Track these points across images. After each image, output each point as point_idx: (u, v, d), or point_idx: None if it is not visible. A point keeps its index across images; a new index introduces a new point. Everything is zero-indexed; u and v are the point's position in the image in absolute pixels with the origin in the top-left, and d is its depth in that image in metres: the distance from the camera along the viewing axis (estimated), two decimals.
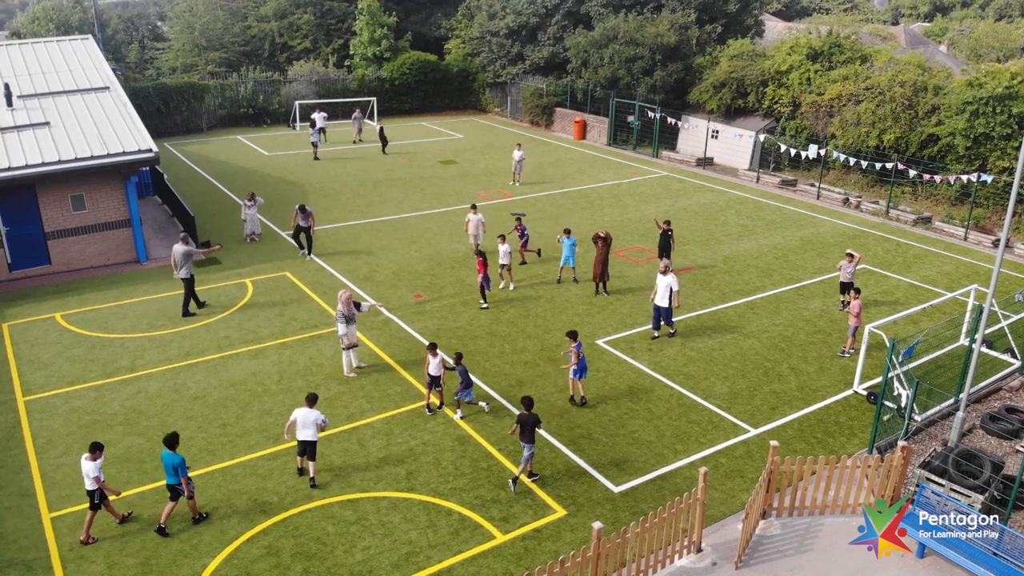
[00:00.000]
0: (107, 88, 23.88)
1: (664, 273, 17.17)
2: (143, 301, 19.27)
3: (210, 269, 21.42)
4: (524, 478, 12.54)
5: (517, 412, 13.13)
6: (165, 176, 27.23)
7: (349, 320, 15.53)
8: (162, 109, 39.53)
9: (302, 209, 22.16)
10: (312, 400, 12.47)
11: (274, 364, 16.20)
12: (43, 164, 19.74)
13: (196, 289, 18.93)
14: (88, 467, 10.95)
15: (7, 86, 21.99)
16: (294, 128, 41.62)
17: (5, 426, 13.98)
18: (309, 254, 22.50)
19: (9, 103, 21.78)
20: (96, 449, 11.06)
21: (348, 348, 15.70)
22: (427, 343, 15.08)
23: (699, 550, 11.14)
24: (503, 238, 20.07)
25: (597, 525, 9.48)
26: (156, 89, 39.62)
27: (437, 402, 14.68)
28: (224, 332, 17.62)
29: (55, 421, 14.10)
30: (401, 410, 14.56)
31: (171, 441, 11.20)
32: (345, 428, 13.95)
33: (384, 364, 16.30)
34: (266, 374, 15.79)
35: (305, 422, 12.26)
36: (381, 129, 36.44)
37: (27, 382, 15.45)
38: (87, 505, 11.22)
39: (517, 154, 30.33)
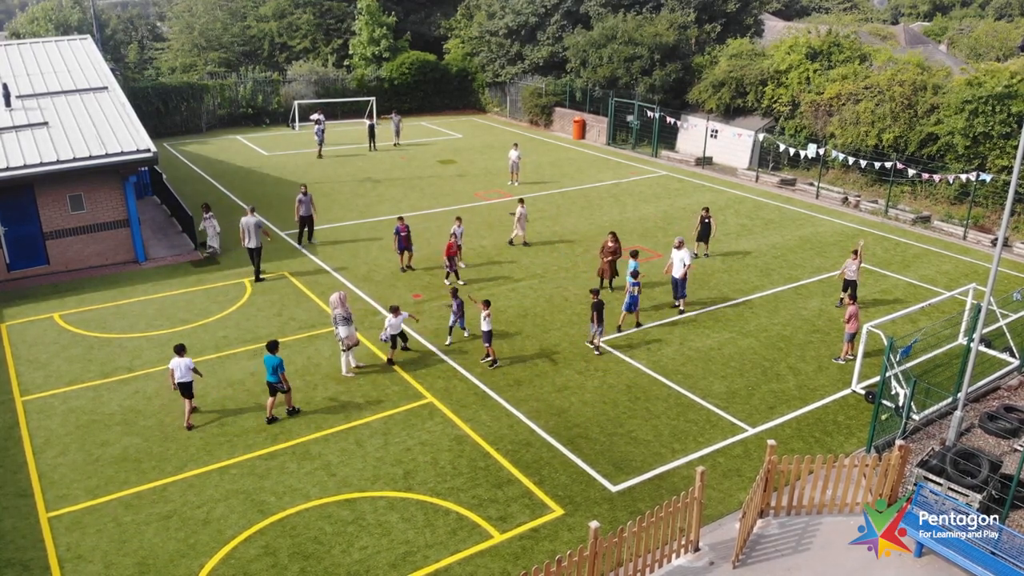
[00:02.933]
0: (105, 88, 23.88)
1: (679, 248, 18.59)
2: (141, 301, 19.27)
3: (209, 269, 21.43)
4: (597, 342, 16.79)
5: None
6: (164, 176, 27.23)
7: (348, 320, 15.53)
8: (161, 109, 39.54)
9: (304, 191, 22.94)
10: (395, 310, 16.05)
11: None
12: (41, 164, 19.73)
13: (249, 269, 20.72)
14: (183, 362, 13.76)
15: (5, 86, 21.99)
16: (293, 128, 41.63)
17: (3, 426, 13.97)
18: (311, 239, 23.48)
19: (8, 103, 21.79)
20: (182, 350, 13.95)
21: (349, 349, 15.70)
22: (481, 301, 16.39)
23: (696, 549, 11.13)
24: (459, 220, 21.12)
25: (594, 524, 9.47)
26: (155, 89, 39.64)
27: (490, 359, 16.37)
28: (222, 332, 17.61)
29: (53, 421, 14.10)
30: (399, 410, 14.55)
31: (273, 346, 13.86)
32: (343, 428, 13.95)
33: (382, 364, 16.28)
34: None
35: (394, 324, 16.01)
36: (371, 126, 36.48)
37: (25, 382, 15.45)
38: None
39: (513, 154, 30.31)
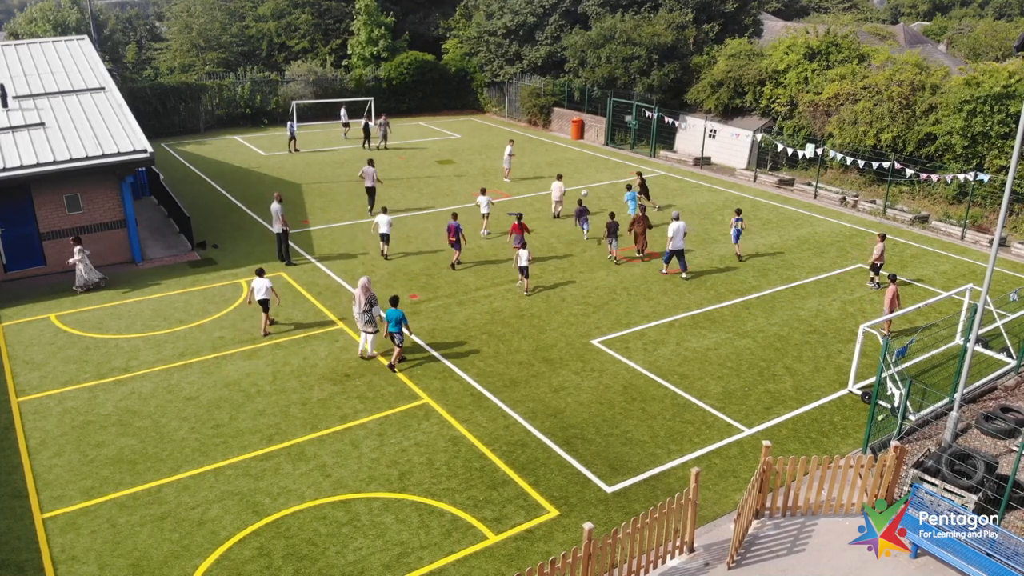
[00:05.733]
0: (103, 88, 23.86)
1: (677, 219, 20.77)
2: (138, 302, 19.26)
3: (206, 269, 21.41)
4: (616, 255, 21.96)
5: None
6: (161, 176, 27.21)
7: (375, 304, 16.05)
8: (159, 109, 39.50)
9: (370, 163, 26.60)
10: (384, 210, 22.56)
11: (268, 365, 16.18)
12: (38, 165, 19.70)
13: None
14: (264, 283, 17.07)
15: (2, 87, 21.96)
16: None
17: None
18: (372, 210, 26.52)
19: (4, 104, 21.77)
20: (262, 273, 17.33)
21: (375, 332, 16.24)
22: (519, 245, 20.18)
23: (691, 550, 11.11)
24: (483, 191, 24.48)
25: (588, 526, 9.46)
26: (153, 89, 39.58)
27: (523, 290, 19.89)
28: (218, 332, 17.59)
29: (48, 422, 14.08)
30: (395, 411, 14.54)
31: (395, 300, 15.87)
32: (338, 428, 13.93)
33: (378, 365, 16.27)
34: (260, 375, 15.77)
35: (383, 222, 21.78)
36: (366, 125, 37.08)
37: (21, 383, 15.43)
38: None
39: (508, 148, 31.10)
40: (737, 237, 22.34)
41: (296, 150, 35.81)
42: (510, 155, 30.98)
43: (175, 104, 40.11)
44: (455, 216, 21.53)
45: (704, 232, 25.09)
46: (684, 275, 21.00)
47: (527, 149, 37.02)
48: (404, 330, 15.80)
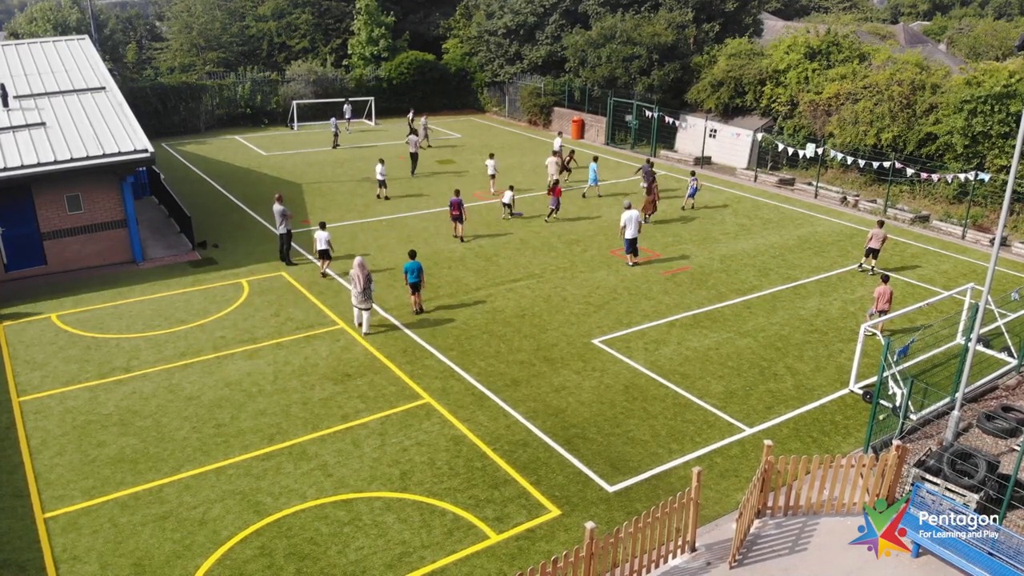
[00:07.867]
0: (103, 88, 23.85)
1: (628, 208, 21.87)
2: (139, 301, 19.25)
3: (206, 269, 21.41)
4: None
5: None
6: (162, 176, 27.21)
7: (372, 280, 17.44)
8: (159, 109, 39.50)
9: (414, 131, 31.94)
10: (381, 161, 27.62)
11: (269, 364, 16.18)
12: (39, 164, 19.70)
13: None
14: (324, 235, 20.23)
15: (3, 87, 21.95)
16: (292, 128, 41.62)
17: (0, 427, 13.98)
18: (413, 172, 31.54)
19: (5, 103, 21.76)
20: (324, 226, 20.53)
21: (369, 309, 17.35)
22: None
23: (693, 549, 11.11)
24: (492, 155, 29.24)
25: (590, 525, 9.46)
26: (154, 89, 39.57)
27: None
28: (220, 332, 17.59)
29: (50, 422, 14.08)
30: (396, 410, 14.54)
31: (413, 254, 18.25)
32: (339, 428, 13.93)
33: (380, 364, 16.27)
34: (261, 374, 15.77)
35: (379, 171, 27.42)
36: (412, 115, 41.38)
37: (22, 383, 15.43)
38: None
39: (557, 141, 33.75)
40: (693, 194, 26.75)
41: (337, 145, 37.14)
42: (560, 147, 33.34)
43: (175, 104, 40.12)
44: (457, 192, 23.72)
45: (704, 232, 25.11)
46: (630, 262, 22.01)
47: (527, 149, 37.03)
48: (421, 280, 18.19)
